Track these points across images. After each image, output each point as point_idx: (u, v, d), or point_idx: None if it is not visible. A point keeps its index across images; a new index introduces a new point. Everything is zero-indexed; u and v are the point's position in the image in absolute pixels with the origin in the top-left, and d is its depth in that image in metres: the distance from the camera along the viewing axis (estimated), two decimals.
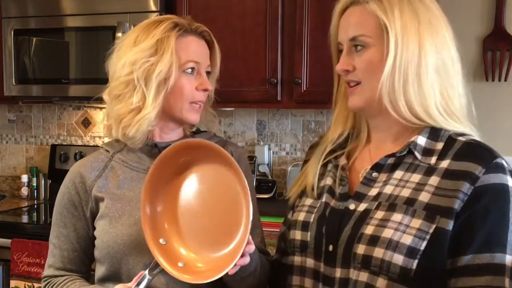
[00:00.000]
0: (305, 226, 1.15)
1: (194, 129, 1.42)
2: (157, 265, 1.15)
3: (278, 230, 2.30)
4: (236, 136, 2.87)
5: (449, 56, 1.07)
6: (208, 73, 1.33)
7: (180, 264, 1.15)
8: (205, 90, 1.29)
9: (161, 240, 1.17)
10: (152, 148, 1.32)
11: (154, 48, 1.22)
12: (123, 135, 1.26)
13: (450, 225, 0.98)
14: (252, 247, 1.10)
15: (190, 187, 1.19)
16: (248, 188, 1.09)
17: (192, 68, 1.27)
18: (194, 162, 1.18)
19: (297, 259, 1.16)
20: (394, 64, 1.03)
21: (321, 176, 1.19)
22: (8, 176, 3.30)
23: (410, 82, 1.04)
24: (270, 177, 2.79)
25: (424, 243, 0.98)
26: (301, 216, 1.17)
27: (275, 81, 2.40)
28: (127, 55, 1.24)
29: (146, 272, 1.16)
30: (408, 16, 1.04)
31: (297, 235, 1.16)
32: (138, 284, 1.14)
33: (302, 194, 1.21)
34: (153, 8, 2.50)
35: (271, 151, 2.83)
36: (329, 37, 1.17)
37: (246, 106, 2.71)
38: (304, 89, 2.38)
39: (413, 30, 1.04)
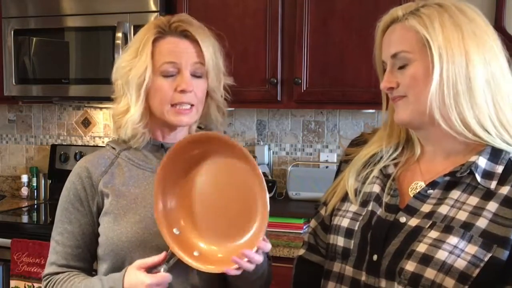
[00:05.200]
0: (349, 233, 1.13)
1: (198, 127, 1.42)
2: (172, 255, 1.16)
3: (278, 230, 2.34)
4: (236, 136, 2.87)
5: (499, 66, 1.05)
6: (196, 74, 1.28)
7: (195, 253, 1.16)
8: (182, 91, 1.25)
9: (174, 230, 1.18)
10: (159, 148, 1.33)
11: (136, 52, 1.26)
12: (118, 136, 1.33)
13: (505, 255, 0.98)
14: (269, 246, 1.14)
15: (204, 179, 1.19)
16: (263, 177, 1.10)
17: (171, 70, 1.25)
18: (207, 155, 1.18)
19: (336, 265, 1.14)
20: (441, 78, 1.02)
21: (365, 179, 1.17)
22: (8, 176, 3.30)
23: (461, 95, 1.02)
24: (270, 177, 2.78)
25: (477, 270, 0.97)
26: (344, 222, 1.15)
27: (275, 81, 2.40)
28: (118, 61, 1.31)
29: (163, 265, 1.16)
30: (450, 29, 1.02)
31: (339, 241, 1.14)
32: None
33: (345, 198, 1.19)
34: (153, 8, 2.49)
35: (271, 151, 2.83)
36: (374, 57, 1.16)
37: (246, 106, 2.71)
38: (304, 89, 2.38)
39: (457, 42, 1.02)
